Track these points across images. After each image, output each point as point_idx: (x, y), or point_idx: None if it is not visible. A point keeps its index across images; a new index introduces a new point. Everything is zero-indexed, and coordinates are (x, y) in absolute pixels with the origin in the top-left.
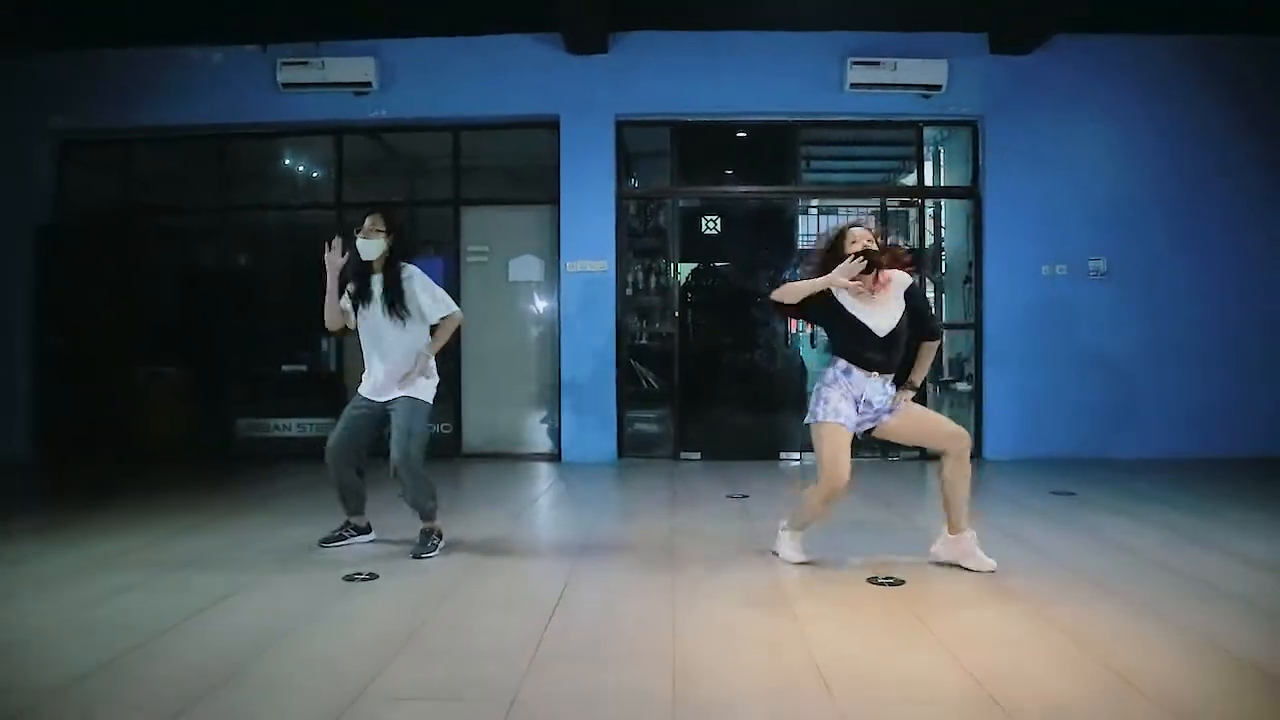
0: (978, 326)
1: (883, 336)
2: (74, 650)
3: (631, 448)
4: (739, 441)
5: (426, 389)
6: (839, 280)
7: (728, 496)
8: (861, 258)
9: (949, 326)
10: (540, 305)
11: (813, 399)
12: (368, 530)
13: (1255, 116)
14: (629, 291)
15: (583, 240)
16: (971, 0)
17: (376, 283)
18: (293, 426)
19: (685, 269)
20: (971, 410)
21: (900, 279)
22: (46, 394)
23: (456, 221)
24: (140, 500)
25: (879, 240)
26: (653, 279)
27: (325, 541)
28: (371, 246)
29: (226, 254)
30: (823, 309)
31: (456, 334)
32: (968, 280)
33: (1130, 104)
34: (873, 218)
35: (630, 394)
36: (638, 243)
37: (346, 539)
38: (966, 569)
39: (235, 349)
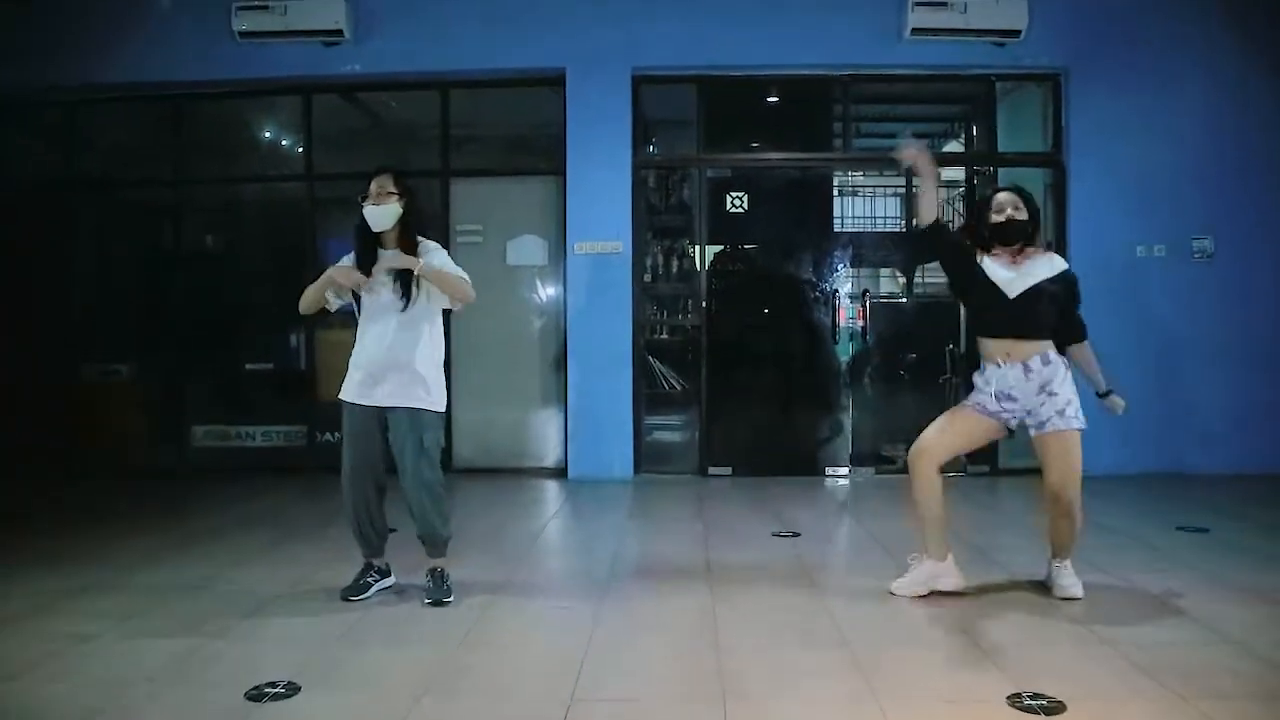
0: None
1: (1012, 298)
2: None
3: (650, 461)
4: (776, 455)
5: (432, 397)
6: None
7: (774, 535)
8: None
9: None
10: (543, 294)
11: None
12: (388, 573)
13: None
14: (647, 277)
15: (593, 218)
16: None
17: (387, 257)
18: (256, 436)
19: (713, 251)
20: None
21: (1054, 260)
22: None
23: (445, 195)
24: (42, 542)
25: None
26: (675, 263)
27: (349, 593)
28: (385, 214)
29: (179, 232)
30: (963, 265)
31: (453, 302)
32: None
33: (1244, 53)
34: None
35: (648, 398)
36: (658, 220)
37: (371, 586)
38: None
39: (191, 343)
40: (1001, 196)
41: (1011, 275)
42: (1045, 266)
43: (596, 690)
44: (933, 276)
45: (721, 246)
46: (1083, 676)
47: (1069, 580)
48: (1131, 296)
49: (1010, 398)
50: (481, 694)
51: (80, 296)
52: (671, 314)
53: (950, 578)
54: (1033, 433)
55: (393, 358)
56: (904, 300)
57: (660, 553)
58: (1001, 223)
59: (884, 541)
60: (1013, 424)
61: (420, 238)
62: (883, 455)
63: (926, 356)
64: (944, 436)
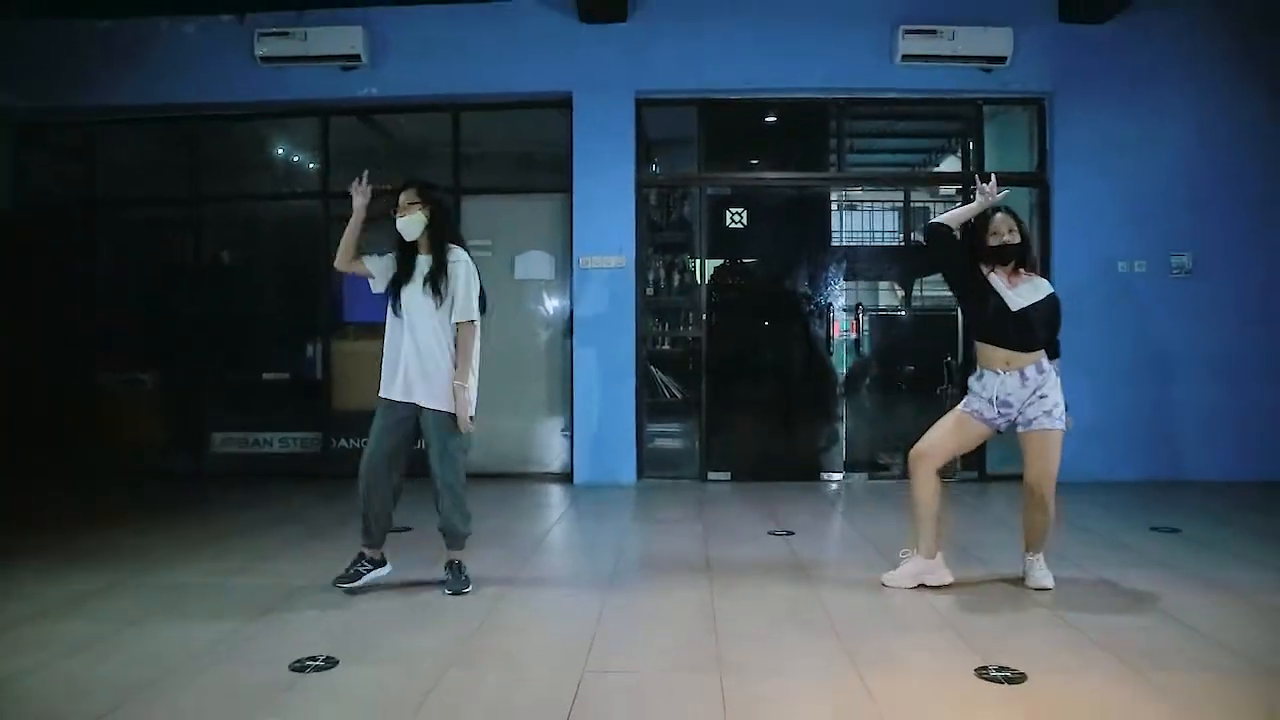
0: None
1: (1015, 311)
2: None
3: (652, 467)
4: (773, 460)
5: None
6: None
7: (769, 534)
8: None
9: None
10: (550, 306)
11: None
12: (384, 563)
13: None
14: (650, 291)
15: (598, 233)
16: None
17: (422, 262)
18: (274, 442)
19: (713, 265)
20: None
21: (1043, 283)
22: None
23: (456, 212)
24: (75, 542)
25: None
26: (676, 277)
27: (341, 581)
28: (413, 224)
29: (200, 248)
30: (969, 273)
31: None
32: None
33: (1222, 79)
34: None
35: (651, 406)
36: (660, 236)
37: (363, 575)
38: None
39: (210, 354)
40: (998, 218)
41: (1011, 292)
42: (1037, 289)
43: (606, 665)
44: (930, 290)
45: (721, 261)
46: (1046, 653)
47: (1041, 572)
48: (1115, 310)
49: (1007, 404)
50: (503, 667)
51: (105, 309)
52: (673, 326)
53: (938, 574)
54: (1019, 429)
55: (424, 359)
56: (901, 313)
57: (662, 550)
58: (998, 246)
59: (874, 540)
60: (1003, 427)
61: (452, 245)
62: (878, 463)
63: (923, 368)
64: (943, 441)
